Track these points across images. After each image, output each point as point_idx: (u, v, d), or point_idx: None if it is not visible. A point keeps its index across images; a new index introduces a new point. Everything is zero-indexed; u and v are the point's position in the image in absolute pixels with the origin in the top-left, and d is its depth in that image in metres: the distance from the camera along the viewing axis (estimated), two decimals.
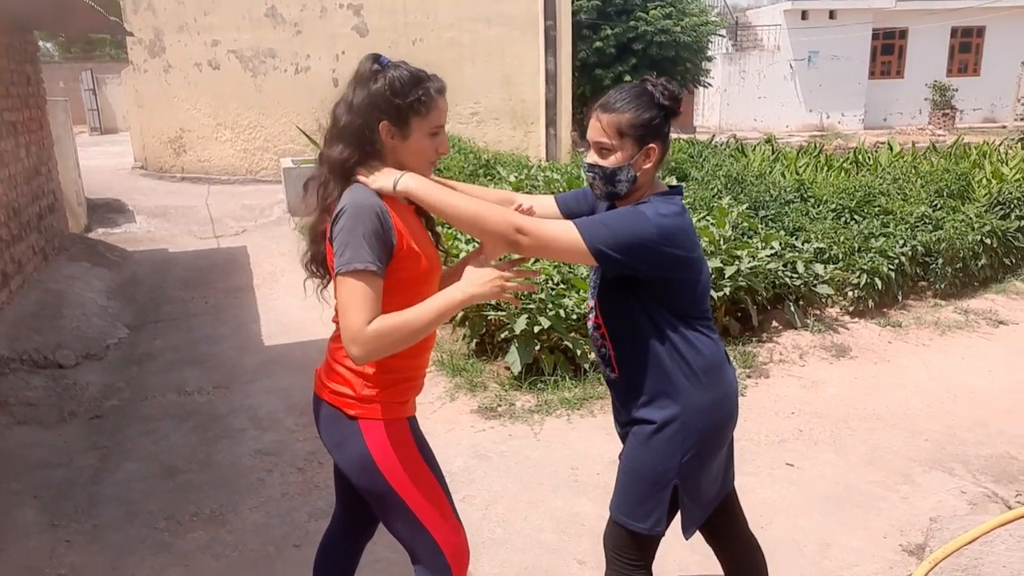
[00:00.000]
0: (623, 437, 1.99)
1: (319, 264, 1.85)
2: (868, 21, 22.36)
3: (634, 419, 1.90)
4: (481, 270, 1.73)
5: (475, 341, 4.68)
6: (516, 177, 8.07)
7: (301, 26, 11.99)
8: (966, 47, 23.67)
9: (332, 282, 1.76)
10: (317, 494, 3.30)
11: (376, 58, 1.74)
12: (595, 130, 1.85)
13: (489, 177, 8.92)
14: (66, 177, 8.11)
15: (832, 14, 22.34)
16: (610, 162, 1.83)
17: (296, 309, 5.91)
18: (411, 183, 1.72)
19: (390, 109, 1.69)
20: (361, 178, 1.73)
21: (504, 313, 4.43)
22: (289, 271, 7.04)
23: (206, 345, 5.19)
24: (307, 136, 8.68)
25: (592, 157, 1.87)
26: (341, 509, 2.10)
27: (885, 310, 5.54)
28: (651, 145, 1.81)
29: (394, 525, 1.84)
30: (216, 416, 4.11)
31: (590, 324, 1.99)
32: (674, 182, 7.28)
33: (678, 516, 1.92)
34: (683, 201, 1.88)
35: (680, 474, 1.83)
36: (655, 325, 1.82)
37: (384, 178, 1.73)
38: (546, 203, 2.08)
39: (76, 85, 22.52)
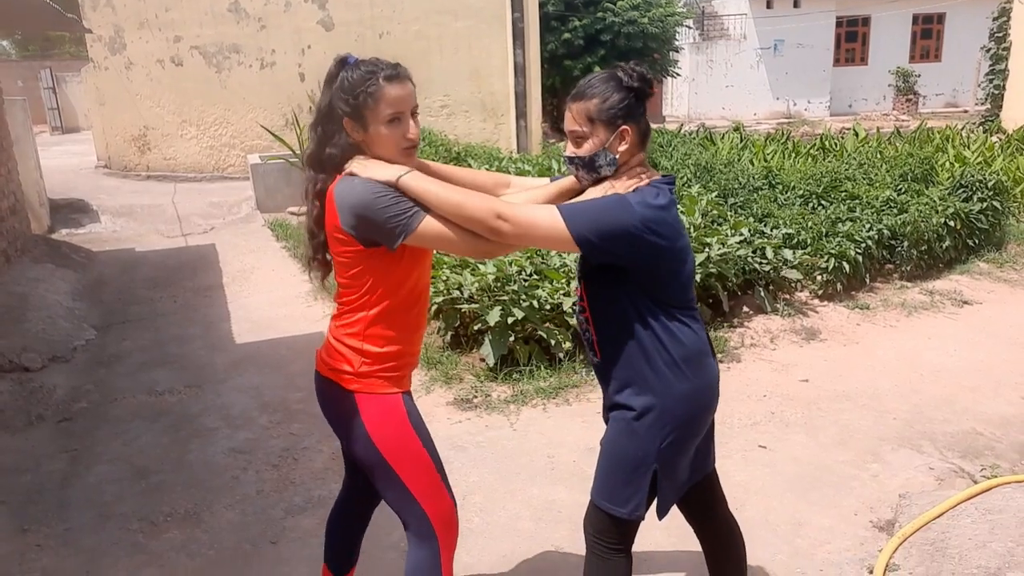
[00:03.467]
0: (607, 421, 2.00)
1: (321, 253, 1.94)
2: (831, 9, 22.65)
3: (615, 404, 1.92)
4: None
5: (450, 333, 4.67)
6: (487, 169, 8.05)
7: (265, 21, 11.83)
8: (927, 34, 24.08)
9: (334, 269, 1.90)
10: (293, 490, 3.28)
11: (343, 59, 1.83)
12: (568, 120, 1.86)
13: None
14: (27, 178, 7.94)
15: (796, 3, 22.60)
16: (585, 149, 1.83)
17: (267, 306, 5.86)
18: (410, 183, 1.75)
19: (346, 106, 1.78)
20: (356, 169, 1.77)
21: (478, 305, 4.43)
22: (259, 268, 6.97)
23: (176, 345, 5.12)
24: (272, 133, 8.59)
25: (569, 148, 1.87)
26: (348, 477, 2.21)
27: (853, 293, 5.63)
28: (623, 127, 1.81)
29: (386, 493, 1.95)
30: (188, 416, 4.06)
31: (576, 308, 1.99)
32: None
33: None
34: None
35: (659, 459, 1.85)
36: (637, 312, 1.83)
37: (382, 170, 1.77)
38: (540, 184, 2.06)
39: (35, 84, 22.05)
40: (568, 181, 1.94)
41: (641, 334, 1.83)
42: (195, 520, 3.09)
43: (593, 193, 1.84)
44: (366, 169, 1.77)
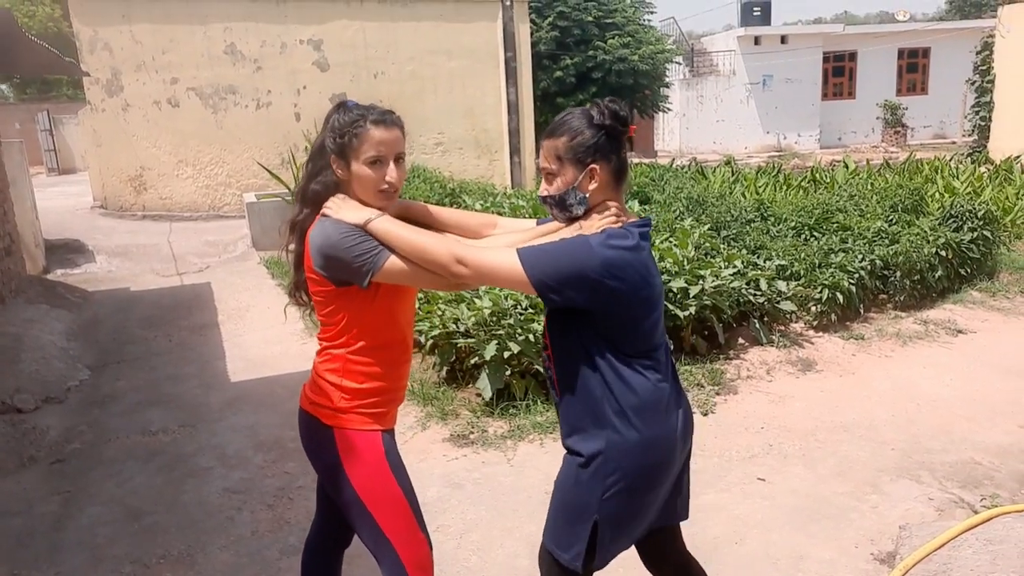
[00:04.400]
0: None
1: (303, 290, 1.99)
2: (818, 45, 23.05)
3: (567, 447, 1.88)
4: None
5: (445, 369, 4.66)
6: (482, 204, 8.12)
7: (261, 62, 12.00)
8: (913, 67, 24.50)
9: (314, 309, 1.94)
10: (288, 530, 3.24)
11: (341, 103, 1.90)
12: (541, 157, 1.85)
13: (455, 205, 8.95)
14: (23, 219, 7.96)
15: (784, 39, 23.01)
16: (555, 188, 1.81)
17: (262, 344, 5.84)
18: (378, 227, 1.79)
19: (333, 144, 1.85)
20: (330, 209, 1.83)
21: (474, 339, 4.43)
22: (255, 306, 6.97)
23: (170, 384, 5.09)
24: (269, 171, 8.65)
25: (543, 186, 1.85)
26: (319, 516, 2.19)
27: (848, 323, 5.65)
28: (592, 166, 1.77)
29: (360, 532, 1.94)
30: (182, 456, 4.03)
31: (542, 344, 1.98)
32: (636, 206, 7.38)
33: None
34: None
35: (600, 510, 1.79)
36: (591, 356, 1.78)
37: (352, 213, 1.81)
38: (525, 227, 2.03)
39: (32, 126, 22.19)
40: (554, 224, 1.92)
41: (595, 379, 1.78)
42: (189, 562, 3.05)
43: (563, 234, 1.81)
44: (339, 210, 1.82)
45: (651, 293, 1.79)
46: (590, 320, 1.76)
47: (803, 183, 9.47)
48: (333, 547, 2.19)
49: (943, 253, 6.20)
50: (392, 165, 1.84)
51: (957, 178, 9.37)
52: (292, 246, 1.97)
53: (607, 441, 1.78)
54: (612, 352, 1.77)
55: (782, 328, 5.41)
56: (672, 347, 4.81)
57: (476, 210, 7.62)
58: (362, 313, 1.84)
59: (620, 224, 1.79)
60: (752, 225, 6.55)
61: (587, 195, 1.80)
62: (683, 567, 2.10)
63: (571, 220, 1.85)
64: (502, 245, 1.87)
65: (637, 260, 1.74)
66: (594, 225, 1.79)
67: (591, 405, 1.79)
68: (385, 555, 1.89)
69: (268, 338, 5.99)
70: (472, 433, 4.07)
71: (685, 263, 5.14)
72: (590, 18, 16.19)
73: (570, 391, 1.83)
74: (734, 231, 6.34)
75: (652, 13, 18.39)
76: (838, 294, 5.51)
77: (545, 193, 1.85)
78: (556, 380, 1.89)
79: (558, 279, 1.69)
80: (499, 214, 7.36)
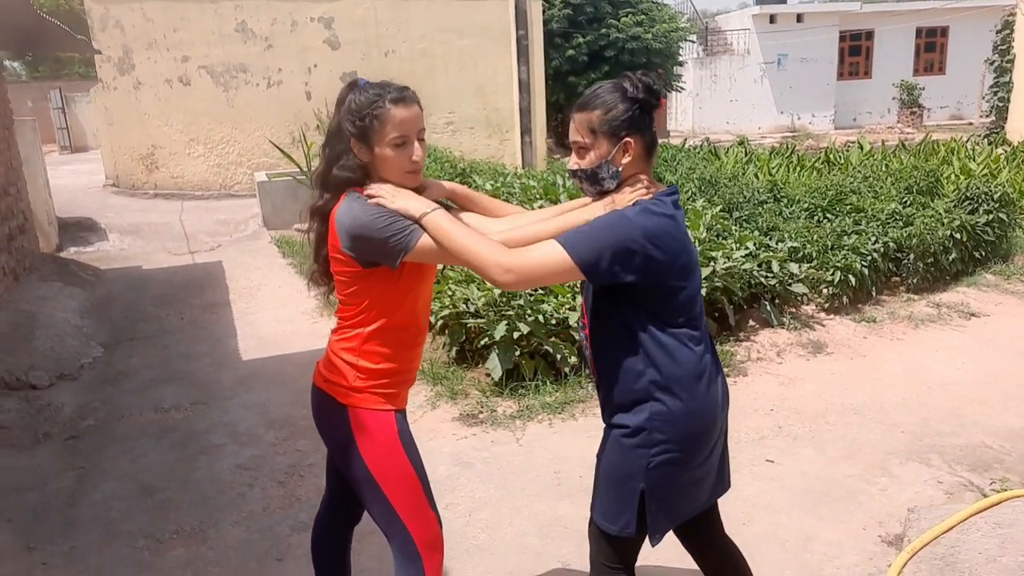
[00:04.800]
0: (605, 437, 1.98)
1: (323, 270, 1.97)
2: (835, 24, 22.72)
3: (610, 423, 1.89)
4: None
5: (455, 348, 4.68)
6: (492, 185, 8.08)
7: (272, 40, 11.96)
8: (931, 47, 24.12)
9: (333, 289, 1.94)
10: (298, 507, 3.28)
11: (353, 82, 1.86)
12: (571, 130, 1.83)
13: (466, 185, 8.92)
14: (36, 197, 8.00)
15: (799, 18, 22.68)
16: (587, 161, 1.80)
17: (273, 323, 5.88)
18: (431, 222, 1.75)
19: (353, 128, 1.81)
20: (384, 199, 1.78)
21: (484, 320, 4.44)
22: (266, 284, 7.00)
23: (183, 362, 5.13)
24: (280, 150, 8.65)
25: (573, 160, 1.84)
26: (328, 493, 2.21)
27: (859, 306, 5.62)
28: (627, 139, 1.77)
29: (371, 509, 1.95)
30: (194, 433, 4.07)
31: (579, 323, 1.97)
32: None
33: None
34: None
35: (647, 479, 1.80)
36: (636, 330, 1.78)
37: (408, 202, 1.78)
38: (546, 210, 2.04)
39: (44, 104, 22.25)
40: (578, 201, 1.94)
41: (638, 352, 1.78)
42: (201, 537, 3.09)
43: (595, 208, 1.81)
44: (394, 200, 1.78)
45: (688, 260, 1.80)
46: (631, 294, 1.76)
47: (817, 164, 9.37)
48: (342, 524, 2.21)
49: (958, 236, 6.14)
50: (416, 143, 1.82)
51: (973, 160, 9.24)
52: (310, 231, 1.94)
53: (651, 413, 1.79)
54: (654, 324, 1.78)
55: (793, 310, 5.38)
56: None
57: (487, 190, 7.61)
58: (385, 294, 1.84)
59: (650, 195, 1.79)
60: (765, 206, 6.50)
61: (620, 168, 1.80)
62: (725, 549, 2.11)
63: (601, 194, 1.84)
64: (526, 223, 1.88)
65: (674, 228, 1.76)
66: (626, 198, 1.78)
67: (633, 380, 1.80)
68: (396, 532, 1.91)
69: (279, 317, 6.02)
70: (481, 413, 4.09)
71: (697, 244, 5.11)
72: None
73: (611, 369, 1.83)
74: (746, 212, 6.29)
75: None
76: (850, 276, 5.47)
77: (576, 167, 1.83)
78: (594, 360, 1.90)
79: (603, 256, 1.68)
80: (509, 195, 7.35)
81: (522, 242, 1.77)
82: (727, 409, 1.94)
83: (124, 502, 3.40)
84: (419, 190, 1.89)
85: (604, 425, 1.94)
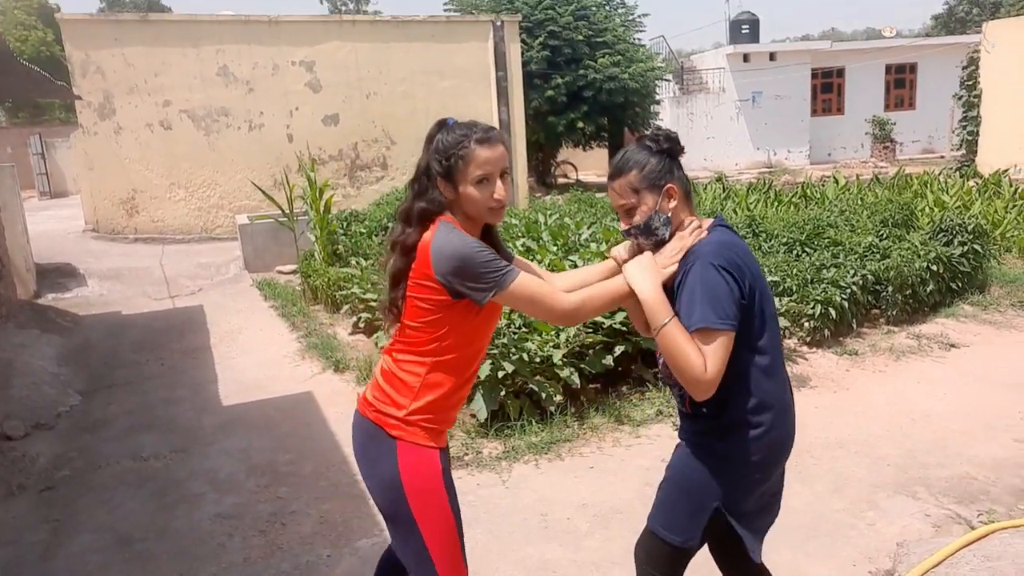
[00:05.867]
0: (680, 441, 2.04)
1: (399, 303, 1.95)
2: (806, 62, 23.25)
3: (691, 441, 1.96)
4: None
5: None
6: None
7: (254, 84, 12.05)
8: (900, 83, 24.71)
9: (404, 312, 1.91)
10: (280, 556, 3.20)
11: (442, 122, 1.93)
12: (613, 197, 1.96)
13: None
14: (14, 243, 7.93)
15: (772, 56, 23.20)
16: (638, 218, 1.91)
17: (255, 367, 5.81)
18: (666, 330, 1.79)
19: (439, 167, 1.87)
20: (632, 272, 1.90)
21: None
22: (247, 328, 6.94)
23: (162, 408, 5.05)
24: (263, 192, 8.66)
25: (624, 222, 1.96)
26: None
27: (841, 339, 5.65)
28: (668, 185, 1.90)
29: (403, 548, 1.92)
30: (174, 481, 3.99)
31: (661, 363, 2.00)
32: None
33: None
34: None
35: (722, 498, 1.89)
36: (732, 361, 1.83)
37: (651, 281, 1.87)
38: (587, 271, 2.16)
39: (24, 150, 22.18)
40: (608, 263, 2.08)
41: (731, 384, 1.84)
42: None
43: (667, 252, 1.89)
44: (642, 273, 1.87)
45: (763, 282, 1.89)
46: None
47: (794, 199, 9.52)
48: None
49: (934, 267, 6.23)
50: (499, 182, 1.87)
51: (946, 192, 9.43)
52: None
53: (737, 437, 1.87)
54: (747, 353, 1.84)
55: None
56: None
57: None
58: (462, 327, 1.87)
59: (704, 230, 1.91)
60: (744, 241, 6.56)
61: (669, 215, 1.91)
62: (760, 571, 2.13)
63: (658, 244, 1.93)
64: (575, 284, 2.03)
65: (745, 251, 1.88)
66: (693, 237, 1.89)
67: (722, 406, 1.85)
68: (424, 574, 1.89)
69: (261, 360, 5.96)
70: (467, 455, 4.05)
71: None
72: (580, 37, 16.33)
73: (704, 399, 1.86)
74: None
75: (642, 32, 18.59)
76: (831, 309, 5.52)
77: (628, 226, 1.94)
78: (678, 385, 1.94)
79: (730, 311, 1.77)
80: None
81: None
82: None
83: (101, 554, 3.31)
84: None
85: (680, 441, 2.01)
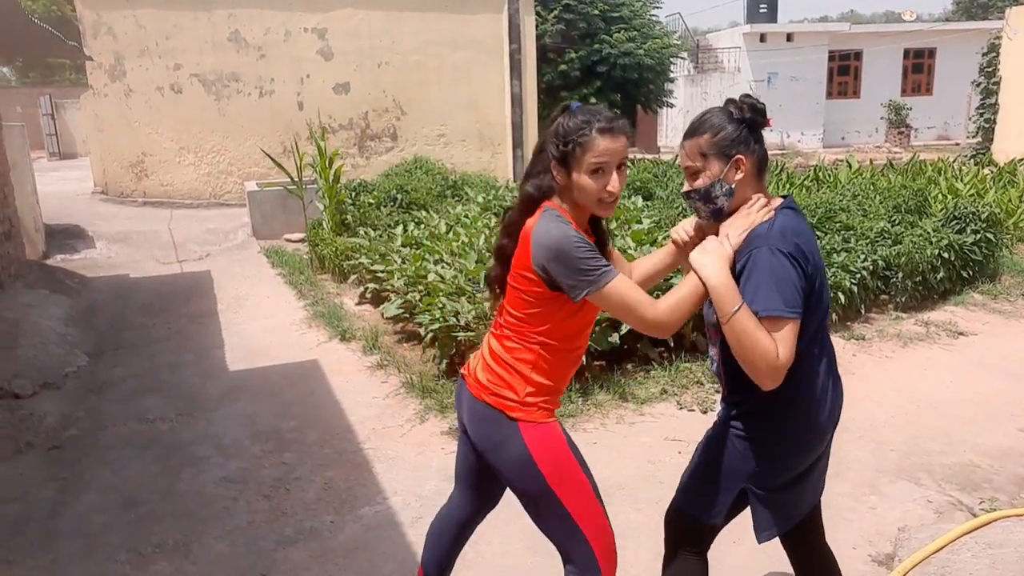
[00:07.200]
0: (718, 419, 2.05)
1: (500, 283, 1.97)
2: (824, 44, 22.96)
3: (729, 423, 1.96)
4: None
5: (445, 362, 4.65)
6: (484, 198, 8.09)
7: (265, 50, 11.95)
8: (918, 68, 24.41)
9: (513, 304, 1.91)
10: (284, 521, 3.23)
11: (566, 106, 1.88)
12: (682, 157, 1.92)
13: (457, 198, 8.93)
14: (23, 203, 7.93)
15: (789, 37, 22.91)
16: (700, 182, 1.87)
17: (261, 333, 5.83)
18: (736, 318, 1.74)
19: (556, 151, 1.83)
20: (699, 254, 1.85)
21: (474, 333, 4.41)
22: (254, 295, 6.96)
23: (169, 372, 5.08)
24: (272, 159, 8.63)
25: (686, 184, 1.92)
26: (461, 494, 2.26)
27: (849, 324, 5.63)
28: (737, 156, 1.83)
29: (548, 523, 1.95)
30: (179, 444, 4.02)
31: (710, 338, 2.01)
32: (640, 202, 7.36)
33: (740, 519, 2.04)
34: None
35: (752, 480, 1.91)
36: None
37: (715, 248, 1.83)
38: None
39: (34, 110, 22.16)
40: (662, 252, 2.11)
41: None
42: (184, 551, 3.04)
43: (733, 230, 1.84)
44: (712, 258, 1.81)
45: (821, 264, 1.88)
46: None
47: (806, 182, 9.43)
48: (469, 525, 2.29)
49: (945, 255, 6.18)
50: (614, 174, 1.82)
51: (960, 180, 9.33)
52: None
53: (771, 423, 1.89)
54: (800, 340, 1.80)
55: None
56: (672, 344, 4.81)
57: (478, 203, 7.62)
58: (565, 321, 1.87)
59: (771, 209, 1.86)
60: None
61: (733, 186, 1.85)
62: (825, 552, 2.17)
63: (715, 213, 1.89)
64: (647, 271, 2.10)
65: (810, 239, 1.85)
66: (761, 214, 1.84)
67: (766, 394, 1.83)
68: (575, 545, 1.91)
69: (267, 327, 5.98)
70: None
71: None
72: (596, 11, 16.11)
73: (746, 382, 1.84)
74: None
75: (658, 8, 18.30)
76: (840, 294, 5.49)
77: (689, 188, 1.90)
78: (725, 372, 1.95)
79: (798, 299, 1.74)
80: (501, 207, 7.36)
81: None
82: (839, 414, 2.03)
83: (106, 514, 3.34)
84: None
85: (719, 419, 2.02)
